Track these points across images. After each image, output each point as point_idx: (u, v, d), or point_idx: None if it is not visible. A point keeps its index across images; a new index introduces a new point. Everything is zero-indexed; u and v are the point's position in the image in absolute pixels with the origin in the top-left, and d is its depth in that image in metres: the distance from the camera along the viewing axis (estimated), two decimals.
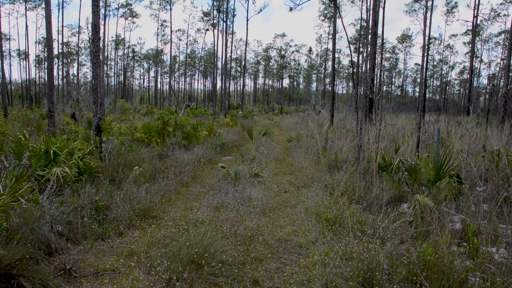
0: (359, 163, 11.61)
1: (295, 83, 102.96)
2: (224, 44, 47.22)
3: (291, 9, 27.61)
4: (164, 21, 75.33)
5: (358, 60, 40.42)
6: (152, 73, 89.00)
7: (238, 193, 9.33)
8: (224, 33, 48.14)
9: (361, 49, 42.39)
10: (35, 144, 9.41)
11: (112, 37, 74.34)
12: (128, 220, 7.22)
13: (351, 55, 16.43)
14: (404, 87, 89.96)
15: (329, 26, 63.26)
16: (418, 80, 79.86)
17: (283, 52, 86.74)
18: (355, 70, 33.78)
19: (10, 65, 72.61)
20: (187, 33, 72.65)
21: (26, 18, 63.45)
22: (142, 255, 5.67)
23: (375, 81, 19.06)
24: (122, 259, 5.64)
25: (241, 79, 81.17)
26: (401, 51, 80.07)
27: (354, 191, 9.20)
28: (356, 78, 31.42)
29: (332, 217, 7.33)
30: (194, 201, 9.39)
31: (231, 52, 52.20)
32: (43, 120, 23.79)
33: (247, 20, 47.95)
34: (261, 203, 8.74)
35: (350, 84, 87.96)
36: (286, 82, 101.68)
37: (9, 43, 67.09)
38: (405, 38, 74.47)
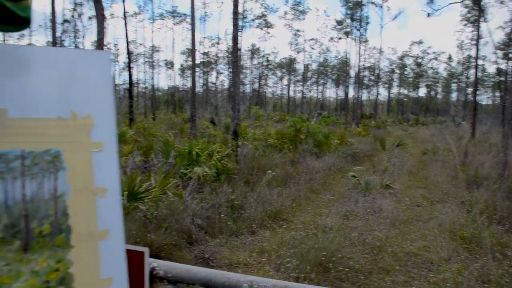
0: (503, 180, 10.77)
1: (432, 93, 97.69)
2: (357, 52, 46.73)
3: (428, 14, 26.34)
4: (297, 30, 76.49)
5: (507, 67, 37.18)
6: (284, 81, 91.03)
7: (368, 203, 9.27)
8: (357, 41, 47.67)
9: (510, 55, 38.89)
10: (179, 145, 10.34)
11: (248, 47, 77.56)
12: (260, 220, 7.63)
13: (498, 62, 15.28)
14: None
15: (472, 31, 58.98)
16: None
17: (419, 60, 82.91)
18: (502, 79, 31.13)
19: (158, 74, 79.64)
20: (320, 42, 73.08)
21: (173, 31, 69.26)
22: (272, 253, 5.98)
23: None
24: (254, 255, 6.01)
25: (374, 88, 79.41)
26: None
27: (496, 210, 8.58)
28: (504, 87, 28.96)
29: (468, 235, 6.97)
30: (323, 207, 9.52)
31: (364, 61, 51.46)
32: (185, 123, 25.69)
33: (381, 27, 47.01)
34: (392, 215, 8.58)
35: (497, 94, 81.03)
36: (422, 91, 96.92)
37: (158, 55, 73.72)
38: None
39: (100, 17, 10.84)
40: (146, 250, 1.63)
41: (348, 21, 53.98)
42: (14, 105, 1.12)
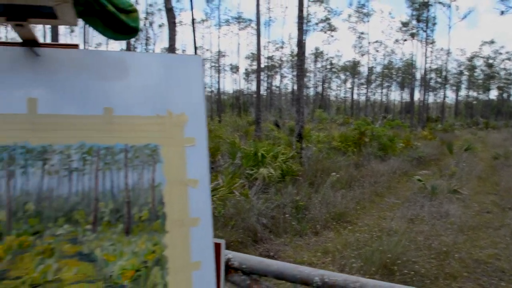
0: None
1: (504, 95, 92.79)
2: (423, 54, 45.42)
3: (502, 12, 25.19)
4: (361, 33, 75.39)
5: None
6: (348, 84, 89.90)
7: (434, 208, 9.06)
8: (423, 42, 46.30)
9: None
10: (245, 147, 10.58)
11: (311, 50, 77.39)
12: (324, 221, 7.69)
13: None
14: None
15: None
16: None
17: (490, 61, 79.06)
18: None
19: (224, 78, 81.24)
20: (384, 44, 71.60)
21: (238, 37, 70.43)
22: (336, 254, 6.01)
23: None
24: (319, 254, 6.08)
25: (441, 90, 76.65)
26: None
27: None
28: None
29: None
30: (388, 211, 9.39)
31: (430, 62, 49.89)
32: (249, 126, 26.05)
33: (449, 28, 45.42)
34: (459, 221, 8.33)
35: None
36: (493, 93, 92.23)
37: (224, 59, 75.28)
38: None
39: (172, 25, 11.28)
40: (222, 242, 1.73)
41: (414, 22, 52.61)
42: (118, 104, 1.28)
